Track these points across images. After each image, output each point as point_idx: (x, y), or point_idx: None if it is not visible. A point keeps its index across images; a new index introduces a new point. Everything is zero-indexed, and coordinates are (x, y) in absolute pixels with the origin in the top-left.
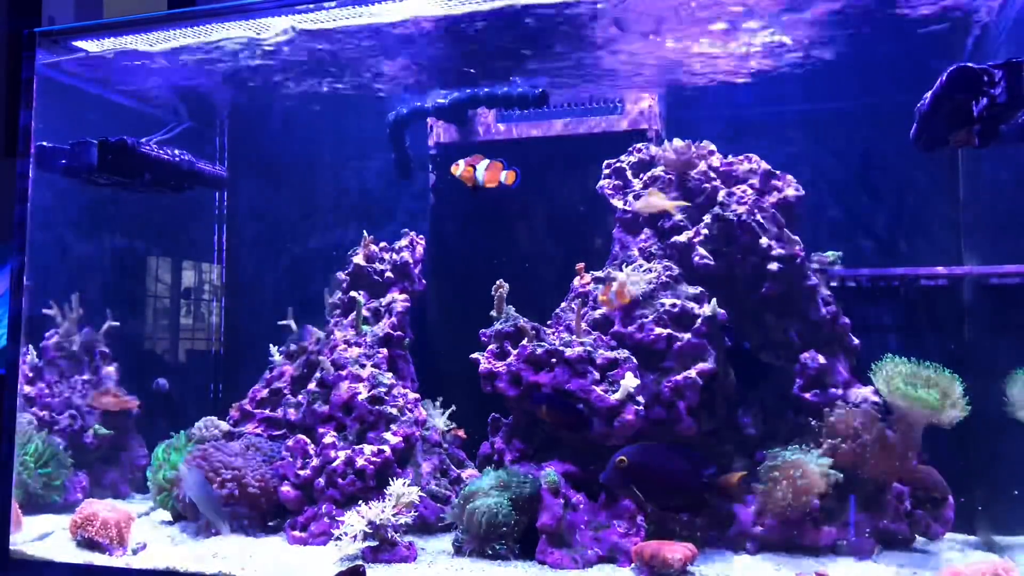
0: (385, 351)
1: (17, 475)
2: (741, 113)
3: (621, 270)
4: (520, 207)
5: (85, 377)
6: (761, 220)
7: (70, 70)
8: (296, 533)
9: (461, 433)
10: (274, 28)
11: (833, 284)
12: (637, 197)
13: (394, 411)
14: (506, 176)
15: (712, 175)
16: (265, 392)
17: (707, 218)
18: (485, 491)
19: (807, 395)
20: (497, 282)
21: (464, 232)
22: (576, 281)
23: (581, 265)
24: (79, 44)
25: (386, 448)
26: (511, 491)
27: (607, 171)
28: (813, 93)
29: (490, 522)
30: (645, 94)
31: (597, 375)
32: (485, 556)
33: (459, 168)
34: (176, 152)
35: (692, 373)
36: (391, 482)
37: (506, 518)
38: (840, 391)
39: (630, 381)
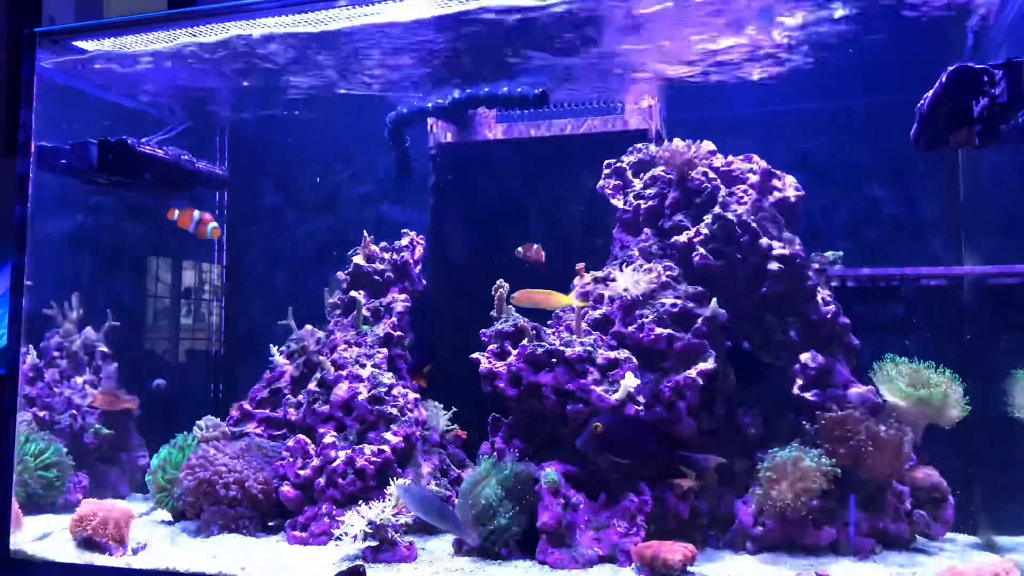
0: (385, 351)
1: (17, 475)
2: (741, 113)
3: (621, 270)
4: (520, 207)
5: (85, 377)
6: (761, 220)
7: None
8: (296, 533)
9: (461, 433)
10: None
11: (833, 284)
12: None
13: (394, 411)
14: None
15: (712, 175)
16: (265, 392)
17: (707, 218)
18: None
19: (807, 395)
20: (497, 282)
21: (464, 232)
22: (576, 281)
23: (581, 265)
24: (79, 44)
25: (386, 448)
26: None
27: (607, 171)
28: (814, 92)
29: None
30: (646, 94)
31: (597, 375)
32: (487, 556)
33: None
34: (176, 152)
35: (692, 373)
36: (391, 482)
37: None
38: (840, 391)
39: (630, 381)
